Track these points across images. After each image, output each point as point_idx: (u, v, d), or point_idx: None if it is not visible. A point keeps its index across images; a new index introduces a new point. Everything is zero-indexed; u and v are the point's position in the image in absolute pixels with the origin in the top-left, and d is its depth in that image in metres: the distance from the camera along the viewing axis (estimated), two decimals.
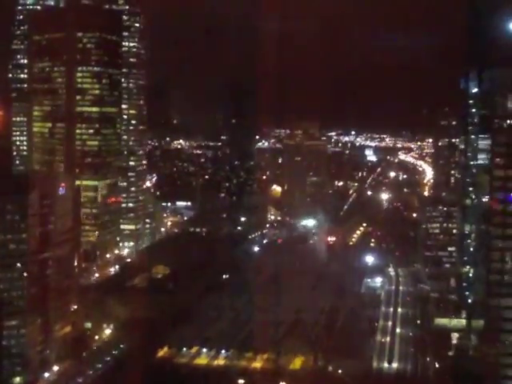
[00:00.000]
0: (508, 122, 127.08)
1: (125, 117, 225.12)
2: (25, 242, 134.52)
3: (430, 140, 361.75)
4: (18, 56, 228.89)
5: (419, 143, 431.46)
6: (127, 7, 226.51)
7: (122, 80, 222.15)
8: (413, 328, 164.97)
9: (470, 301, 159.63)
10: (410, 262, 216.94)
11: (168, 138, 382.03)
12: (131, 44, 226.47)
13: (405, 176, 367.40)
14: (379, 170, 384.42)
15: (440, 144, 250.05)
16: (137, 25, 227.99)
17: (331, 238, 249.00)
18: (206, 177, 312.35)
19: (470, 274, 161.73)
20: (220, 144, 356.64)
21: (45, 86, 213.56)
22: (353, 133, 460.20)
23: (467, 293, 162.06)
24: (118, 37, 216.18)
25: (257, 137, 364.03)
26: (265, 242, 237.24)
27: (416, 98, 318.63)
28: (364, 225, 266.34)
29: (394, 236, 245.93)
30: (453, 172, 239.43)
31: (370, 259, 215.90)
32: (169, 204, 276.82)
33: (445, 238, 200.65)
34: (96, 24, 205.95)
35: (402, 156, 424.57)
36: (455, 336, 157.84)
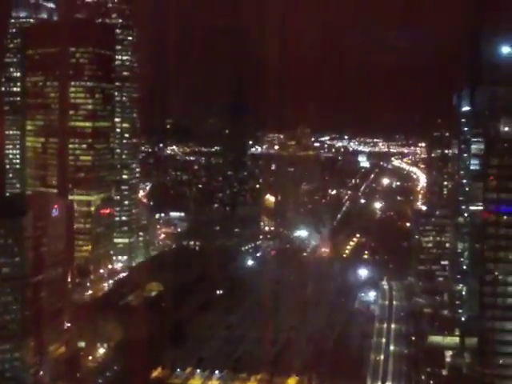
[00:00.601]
0: (500, 145, 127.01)
1: (118, 130, 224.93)
2: (18, 266, 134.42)
3: (424, 144, 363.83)
4: (11, 69, 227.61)
5: (412, 148, 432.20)
6: (120, 21, 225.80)
7: (115, 93, 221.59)
8: (407, 345, 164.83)
9: (463, 318, 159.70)
10: (403, 275, 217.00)
11: (161, 144, 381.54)
12: (124, 57, 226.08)
13: (398, 183, 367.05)
14: (372, 176, 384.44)
15: (433, 155, 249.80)
16: (130, 38, 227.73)
17: (325, 250, 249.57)
18: (200, 186, 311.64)
19: (463, 292, 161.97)
20: (213, 150, 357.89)
21: (38, 100, 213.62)
22: (346, 137, 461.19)
23: (460, 310, 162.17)
24: (111, 51, 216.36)
25: (250, 142, 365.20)
26: (258, 254, 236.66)
27: (409, 102, 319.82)
28: (357, 235, 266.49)
29: (388, 247, 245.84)
30: (446, 183, 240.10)
31: (363, 272, 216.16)
32: (162, 215, 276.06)
33: (438, 252, 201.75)
34: (89, 39, 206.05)
35: (395, 162, 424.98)
36: (449, 354, 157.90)
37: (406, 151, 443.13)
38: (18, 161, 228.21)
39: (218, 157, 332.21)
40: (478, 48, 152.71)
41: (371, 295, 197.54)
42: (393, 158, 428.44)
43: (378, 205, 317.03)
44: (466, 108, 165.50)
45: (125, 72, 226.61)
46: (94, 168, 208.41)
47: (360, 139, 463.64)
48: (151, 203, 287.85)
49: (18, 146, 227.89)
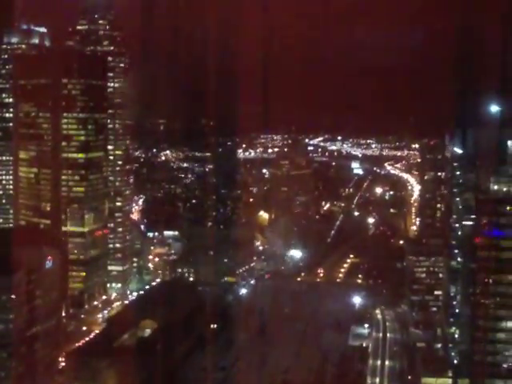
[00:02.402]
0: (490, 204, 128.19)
1: (111, 158, 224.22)
2: (12, 322, 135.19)
3: (417, 145, 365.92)
4: (4, 95, 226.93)
5: (406, 151, 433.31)
6: (112, 48, 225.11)
7: (108, 121, 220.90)
8: None
9: (455, 361, 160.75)
10: (396, 302, 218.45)
11: (155, 150, 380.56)
12: (116, 85, 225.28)
13: (391, 192, 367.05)
14: (366, 185, 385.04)
15: (426, 177, 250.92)
16: (122, 65, 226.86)
17: (320, 271, 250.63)
18: (194, 201, 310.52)
19: (456, 335, 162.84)
20: (207, 155, 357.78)
21: (30, 131, 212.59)
22: (339, 138, 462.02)
23: (453, 353, 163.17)
24: (103, 80, 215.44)
25: (243, 145, 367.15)
26: (252, 281, 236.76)
27: (403, 103, 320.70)
28: (351, 256, 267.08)
29: (381, 269, 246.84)
30: (439, 206, 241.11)
31: (357, 300, 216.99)
32: (156, 234, 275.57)
33: (431, 282, 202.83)
34: (81, 70, 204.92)
35: (388, 167, 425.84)
36: None
37: (399, 154, 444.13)
38: (11, 187, 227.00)
39: (212, 170, 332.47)
40: (468, 102, 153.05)
41: (365, 327, 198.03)
42: (386, 164, 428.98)
43: (371, 219, 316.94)
44: (457, 149, 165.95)
45: (117, 99, 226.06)
46: (87, 199, 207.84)
47: (353, 140, 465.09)
48: (144, 220, 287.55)
49: (11, 172, 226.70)
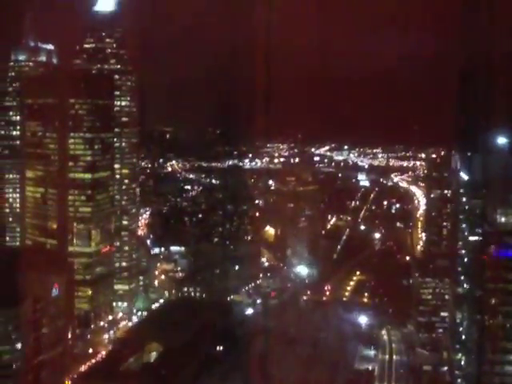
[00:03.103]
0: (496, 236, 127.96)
1: (117, 176, 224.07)
2: (19, 351, 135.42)
3: (423, 155, 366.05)
4: (11, 113, 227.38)
5: (412, 162, 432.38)
6: (119, 66, 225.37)
7: (115, 140, 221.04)
8: None
9: None
10: (403, 321, 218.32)
11: (161, 160, 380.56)
12: (123, 103, 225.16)
13: (398, 205, 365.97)
14: (372, 197, 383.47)
15: (432, 196, 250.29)
16: (129, 83, 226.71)
17: (326, 288, 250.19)
18: (200, 216, 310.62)
19: (462, 362, 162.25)
20: (213, 165, 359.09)
21: (37, 150, 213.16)
22: (346, 147, 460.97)
23: (459, 380, 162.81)
24: (110, 99, 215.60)
25: (250, 154, 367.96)
26: (259, 300, 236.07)
27: (408, 112, 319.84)
28: (357, 273, 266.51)
29: (387, 286, 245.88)
30: (445, 224, 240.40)
31: (363, 319, 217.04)
32: (162, 249, 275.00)
33: (437, 304, 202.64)
34: (88, 89, 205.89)
35: (395, 179, 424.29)
36: None
37: (405, 165, 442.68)
38: (18, 205, 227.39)
39: (218, 182, 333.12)
40: (476, 126, 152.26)
41: (371, 349, 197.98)
42: (392, 175, 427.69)
43: (377, 234, 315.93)
44: (464, 175, 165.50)
45: (124, 118, 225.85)
46: (94, 218, 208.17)
47: (360, 150, 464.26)
48: (150, 235, 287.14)
49: (17, 191, 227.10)
